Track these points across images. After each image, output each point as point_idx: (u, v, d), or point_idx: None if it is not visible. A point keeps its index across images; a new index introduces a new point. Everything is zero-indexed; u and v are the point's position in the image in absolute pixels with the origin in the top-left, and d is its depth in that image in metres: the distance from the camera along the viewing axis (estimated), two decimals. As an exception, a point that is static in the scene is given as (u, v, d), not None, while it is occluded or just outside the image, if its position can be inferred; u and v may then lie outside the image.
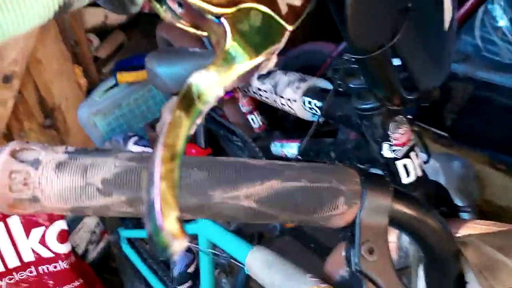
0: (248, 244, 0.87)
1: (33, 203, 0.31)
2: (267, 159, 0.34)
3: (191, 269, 1.24)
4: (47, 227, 1.37)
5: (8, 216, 1.31)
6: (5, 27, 0.18)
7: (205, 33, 0.23)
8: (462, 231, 0.61)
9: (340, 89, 0.62)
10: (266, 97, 0.98)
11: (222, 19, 0.21)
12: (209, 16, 0.22)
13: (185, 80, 0.66)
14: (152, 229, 0.16)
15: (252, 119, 1.34)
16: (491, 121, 1.49)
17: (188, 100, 0.19)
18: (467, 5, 1.32)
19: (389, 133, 0.63)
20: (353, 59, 0.47)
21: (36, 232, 1.36)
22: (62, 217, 1.40)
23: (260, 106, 1.37)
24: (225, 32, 0.21)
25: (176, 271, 1.23)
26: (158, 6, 0.23)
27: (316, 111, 0.81)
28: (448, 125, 1.59)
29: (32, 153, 0.31)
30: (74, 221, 1.53)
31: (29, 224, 1.35)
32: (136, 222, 1.43)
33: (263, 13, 0.22)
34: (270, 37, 0.22)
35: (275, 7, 0.23)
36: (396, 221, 0.34)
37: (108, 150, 0.33)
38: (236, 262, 0.99)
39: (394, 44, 0.41)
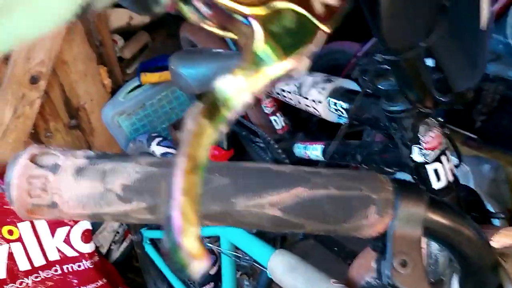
0: (271, 247, 0.86)
1: (51, 209, 0.30)
2: (290, 161, 0.33)
3: (213, 271, 1.23)
4: (71, 226, 1.39)
5: (34, 215, 1.33)
6: (22, 31, 0.17)
7: (231, 35, 0.22)
8: (495, 239, 0.58)
9: (369, 90, 0.60)
10: (290, 98, 0.97)
11: (252, 20, 0.20)
12: (238, 17, 0.20)
13: (209, 82, 0.65)
14: (170, 246, 0.15)
15: (275, 120, 1.33)
16: (523, 122, 1.44)
17: (213, 107, 0.17)
18: (499, 2, 1.28)
19: (419, 136, 0.60)
20: (384, 60, 0.45)
21: (61, 232, 1.38)
22: (86, 216, 1.41)
23: (283, 107, 1.35)
24: (255, 33, 0.20)
25: (198, 272, 1.23)
26: (183, 6, 0.21)
27: (342, 112, 0.79)
28: (477, 126, 1.54)
29: (51, 158, 0.31)
30: (98, 221, 1.54)
31: (54, 224, 1.37)
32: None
33: (297, 13, 0.21)
34: (303, 39, 0.21)
35: (309, 7, 0.21)
36: (431, 232, 0.32)
37: (129, 155, 0.32)
38: (258, 265, 0.98)
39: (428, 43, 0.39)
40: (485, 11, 0.44)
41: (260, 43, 0.20)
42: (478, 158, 1.41)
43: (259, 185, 0.30)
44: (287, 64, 0.20)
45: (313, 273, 0.75)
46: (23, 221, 1.33)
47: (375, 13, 0.34)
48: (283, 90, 0.98)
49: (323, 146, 0.98)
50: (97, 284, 1.42)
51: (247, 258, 1.00)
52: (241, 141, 1.63)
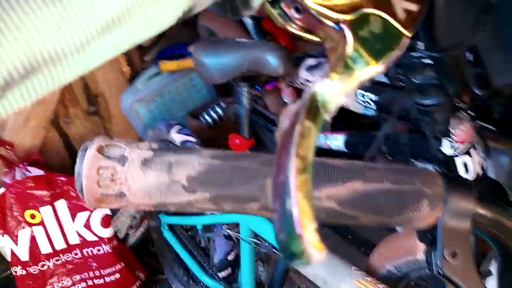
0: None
1: (118, 198, 0.32)
2: None
3: (230, 257, 1.25)
4: (91, 211, 1.41)
5: (56, 199, 1.36)
6: (135, 35, 0.18)
7: (315, 38, 0.23)
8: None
9: (401, 83, 0.61)
10: (314, 89, 0.97)
11: (343, 25, 0.21)
12: (328, 22, 0.21)
13: (233, 72, 0.66)
14: (288, 238, 0.16)
15: (294, 110, 1.34)
16: (543, 115, 1.43)
17: (314, 110, 0.18)
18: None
19: (450, 129, 0.61)
20: (427, 55, 0.46)
21: (82, 216, 1.41)
22: (106, 202, 1.43)
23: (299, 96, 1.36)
24: (345, 38, 0.21)
25: (216, 258, 1.25)
26: (271, 9, 0.22)
27: (370, 104, 0.80)
28: (495, 118, 1.54)
29: (117, 150, 0.32)
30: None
31: (75, 208, 1.39)
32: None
33: (382, 19, 0.22)
34: (389, 44, 0.22)
35: (392, 13, 0.22)
36: (478, 225, 0.33)
37: (190, 148, 0.33)
38: (278, 253, 1.00)
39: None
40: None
41: (352, 48, 0.21)
42: (496, 149, 1.41)
43: (316, 178, 0.31)
44: (377, 68, 0.21)
45: (334, 261, 0.77)
46: (45, 205, 1.35)
47: (430, 17, 0.35)
48: (308, 81, 0.99)
49: (345, 137, 0.99)
50: (115, 268, 1.45)
51: (266, 244, 1.02)
52: (256, 129, 1.64)
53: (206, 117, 1.62)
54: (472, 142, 0.64)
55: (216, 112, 1.61)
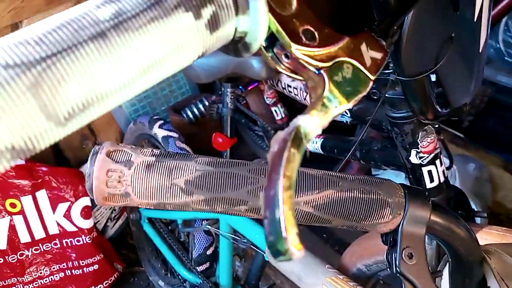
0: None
1: (123, 197, 0.36)
2: None
3: (209, 251, 1.30)
4: (72, 202, 1.42)
5: (37, 189, 1.37)
6: (163, 75, 0.23)
7: (300, 78, 0.28)
8: (479, 236, 0.66)
9: (375, 97, 0.66)
10: (295, 94, 1.02)
11: (322, 71, 0.26)
12: (310, 67, 0.26)
13: (218, 73, 0.70)
14: (276, 239, 0.21)
15: (275, 111, 1.39)
16: (508, 125, 1.52)
17: (298, 140, 0.23)
18: (494, 10, 1.34)
19: (418, 141, 0.67)
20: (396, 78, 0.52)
21: (62, 207, 1.42)
22: (86, 194, 1.45)
23: (280, 98, 1.41)
24: (324, 82, 0.26)
25: (195, 252, 1.29)
26: (266, 53, 0.27)
27: (346, 112, 0.85)
28: (465, 126, 1.62)
29: (124, 154, 0.36)
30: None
31: (56, 199, 1.41)
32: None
33: (353, 66, 0.27)
34: (358, 87, 0.27)
35: (362, 61, 0.28)
36: (432, 231, 0.38)
37: (188, 155, 0.38)
38: (256, 249, 1.04)
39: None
40: (483, 37, 0.50)
41: (328, 90, 0.26)
42: (464, 156, 1.50)
43: (296, 186, 0.36)
44: (348, 106, 0.26)
45: (309, 258, 0.82)
46: (26, 195, 1.36)
47: (397, 48, 0.40)
48: (289, 86, 1.03)
49: (323, 139, 1.04)
50: (94, 259, 1.47)
51: (244, 241, 1.06)
52: (238, 128, 1.68)
53: (188, 112, 1.65)
54: (437, 153, 0.70)
55: (198, 109, 1.65)
